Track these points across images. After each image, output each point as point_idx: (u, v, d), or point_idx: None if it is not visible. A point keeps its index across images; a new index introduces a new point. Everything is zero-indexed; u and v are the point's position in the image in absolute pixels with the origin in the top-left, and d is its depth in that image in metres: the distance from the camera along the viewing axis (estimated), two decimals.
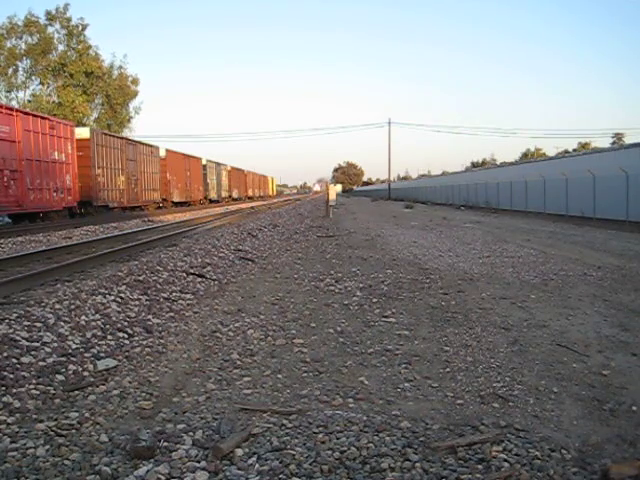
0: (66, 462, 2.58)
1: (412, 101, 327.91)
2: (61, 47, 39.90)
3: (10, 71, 38.29)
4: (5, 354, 3.70)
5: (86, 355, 4.08)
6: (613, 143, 62.06)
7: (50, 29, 39.24)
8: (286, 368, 4.04)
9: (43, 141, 18.22)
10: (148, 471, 2.49)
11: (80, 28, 40.26)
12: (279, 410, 3.22)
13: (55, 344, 4.11)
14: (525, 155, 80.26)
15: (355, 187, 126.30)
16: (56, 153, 19.15)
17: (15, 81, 38.71)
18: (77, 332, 4.45)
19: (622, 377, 3.86)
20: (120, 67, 42.81)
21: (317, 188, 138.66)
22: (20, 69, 38.93)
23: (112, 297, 5.60)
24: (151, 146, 30.71)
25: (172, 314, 5.55)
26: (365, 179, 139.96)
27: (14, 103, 36.42)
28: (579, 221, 20.82)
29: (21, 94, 39.23)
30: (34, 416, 3.09)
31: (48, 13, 39.13)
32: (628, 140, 54.05)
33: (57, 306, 4.94)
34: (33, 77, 39.35)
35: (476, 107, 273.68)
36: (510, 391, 3.59)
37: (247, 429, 2.92)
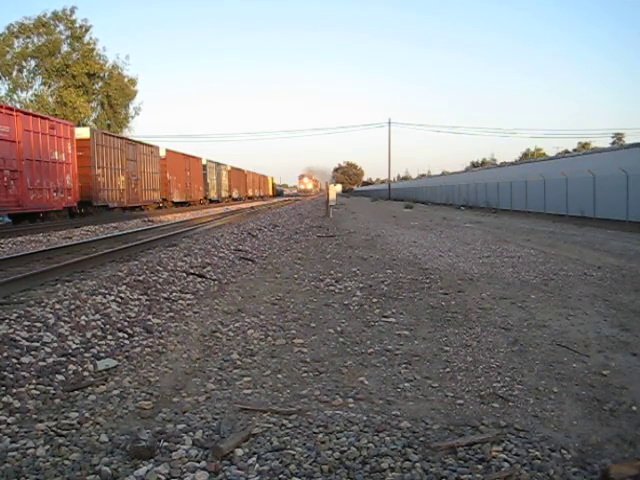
0: (66, 462, 2.58)
1: (412, 101, 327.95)
2: (65, 48, 40.00)
3: (15, 71, 38.36)
4: (5, 354, 3.70)
5: (86, 355, 4.08)
6: (613, 143, 62.07)
7: (55, 29, 39.33)
8: (286, 368, 4.04)
9: (43, 141, 18.21)
10: (148, 471, 2.49)
11: (83, 29, 40.37)
12: (279, 410, 3.22)
13: (55, 344, 4.11)
14: (525, 155, 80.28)
15: (355, 187, 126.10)
16: (56, 153, 19.14)
17: (21, 81, 38.77)
18: (77, 332, 4.45)
19: (622, 377, 3.86)
20: (118, 67, 42.83)
21: (308, 185, 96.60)
22: (24, 69, 39.06)
23: (112, 297, 5.60)
24: (151, 146, 30.69)
25: (172, 314, 5.55)
26: (365, 179, 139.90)
27: (17, 104, 36.46)
28: (579, 221, 20.82)
29: (23, 94, 39.35)
30: (34, 416, 3.10)
31: (54, 14, 39.24)
32: (628, 140, 54.12)
33: (57, 306, 4.94)
34: (37, 77, 39.43)
35: (476, 107, 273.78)
36: (510, 391, 3.59)
37: (247, 429, 2.92)
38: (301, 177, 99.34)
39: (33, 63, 38.97)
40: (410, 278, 7.61)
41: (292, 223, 18.19)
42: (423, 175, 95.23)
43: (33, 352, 3.87)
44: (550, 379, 3.82)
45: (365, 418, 3.12)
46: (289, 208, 30.02)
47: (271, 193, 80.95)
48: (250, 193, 62.12)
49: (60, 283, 6.85)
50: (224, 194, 48.00)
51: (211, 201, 42.97)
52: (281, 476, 2.49)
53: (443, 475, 2.50)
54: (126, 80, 43.27)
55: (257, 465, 2.57)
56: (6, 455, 2.61)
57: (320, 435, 2.89)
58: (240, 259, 9.44)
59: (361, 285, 7.14)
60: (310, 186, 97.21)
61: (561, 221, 21.51)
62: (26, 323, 4.37)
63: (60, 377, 3.64)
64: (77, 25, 40.20)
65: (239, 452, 2.69)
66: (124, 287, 6.07)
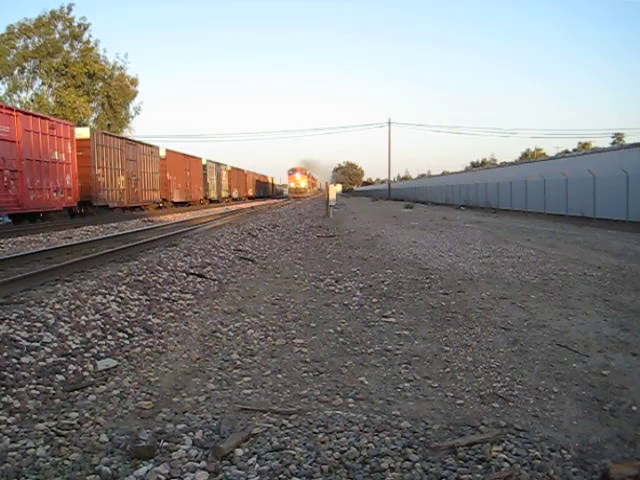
0: (66, 462, 2.58)
1: (412, 101, 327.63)
2: (64, 47, 39.98)
3: (16, 71, 38.39)
4: (5, 354, 3.70)
5: (86, 355, 4.08)
6: (613, 143, 62.06)
7: (54, 29, 39.31)
8: (286, 368, 4.04)
9: (43, 141, 18.22)
10: (148, 471, 2.49)
11: (82, 28, 40.36)
12: (279, 410, 3.22)
13: (55, 344, 4.11)
14: (525, 155, 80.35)
15: (355, 187, 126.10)
16: (56, 153, 19.15)
17: (22, 81, 38.81)
18: (77, 332, 4.45)
19: (622, 377, 3.86)
20: (120, 67, 42.89)
21: (300, 182, 68.63)
22: (25, 69, 39.04)
23: (112, 297, 5.60)
24: (151, 146, 30.70)
25: (172, 314, 5.55)
26: (365, 179, 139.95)
27: (17, 104, 36.46)
28: (579, 221, 20.82)
29: (23, 94, 39.36)
30: (34, 416, 3.09)
31: (52, 13, 39.22)
32: (628, 140, 54.10)
33: (57, 306, 4.94)
34: (37, 77, 39.43)
35: (476, 107, 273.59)
36: (510, 391, 3.59)
37: (247, 429, 2.92)
38: (292, 172, 70.63)
39: (33, 63, 38.99)
40: (410, 278, 7.61)
41: (292, 223, 18.19)
42: (423, 175, 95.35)
43: (33, 352, 3.87)
44: (550, 379, 3.82)
45: (365, 418, 3.12)
46: (289, 208, 30.02)
47: (272, 193, 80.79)
48: (250, 193, 62.10)
49: (60, 283, 6.85)
50: (224, 194, 48.01)
51: (211, 201, 42.98)
52: (281, 476, 2.49)
53: (443, 475, 2.50)
54: (129, 80, 43.29)
55: (257, 465, 2.57)
56: (6, 455, 2.61)
57: (320, 435, 2.89)
58: (240, 259, 9.44)
59: (361, 285, 7.14)
60: (303, 184, 71.16)
61: (561, 221, 21.52)
62: (26, 323, 4.37)
63: (60, 377, 3.64)
64: (75, 24, 40.26)
65: (239, 452, 2.69)
66: (124, 287, 6.07)
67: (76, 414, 3.12)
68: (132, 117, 45.01)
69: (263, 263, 9.21)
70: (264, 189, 74.32)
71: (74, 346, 4.18)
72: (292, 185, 70.54)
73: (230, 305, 6.04)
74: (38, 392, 3.38)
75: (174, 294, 6.33)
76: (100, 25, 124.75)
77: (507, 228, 17.53)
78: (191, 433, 2.89)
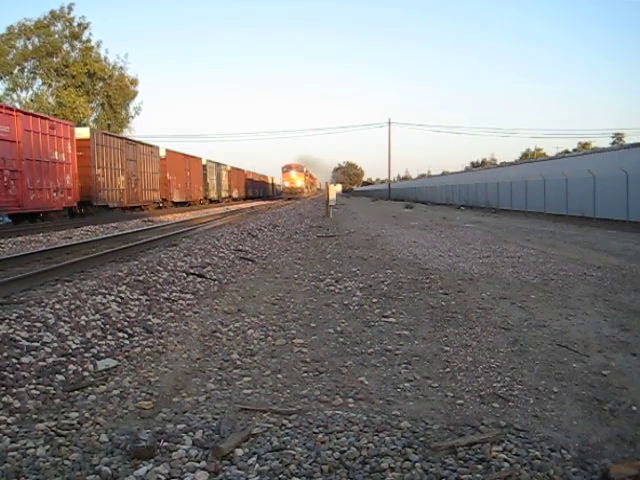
0: (66, 462, 2.58)
1: (412, 101, 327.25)
2: (64, 47, 40.01)
3: (16, 70, 38.42)
4: (5, 354, 3.70)
5: (86, 355, 4.08)
6: (613, 143, 62.05)
7: (53, 29, 39.35)
8: (286, 368, 4.04)
9: (43, 141, 18.21)
10: (148, 471, 2.49)
11: (82, 27, 40.38)
12: (279, 410, 3.22)
13: (55, 344, 4.11)
14: (525, 155, 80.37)
15: (355, 187, 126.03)
16: (56, 153, 19.14)
17: (21, 81, 38.85)
18: (77, 332, 4.45)
19: (622, 377, 3.87)
20: (120, 68, 42.93)
21: (296, 181, 59.33)
22: (25, 69, 39.09)
23: (112, 297, 5.60)
24: (151, 146, 30.69)
25: (172, 314, 5.55)
26: (365, 179, 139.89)
27: (16, 103, 36.49)
28: (579, 221, 20.83)
29: (23, 94, 39.40)
30: (34, 416, 3.10)
31: (52, 13, 39.25)
32: (628, 140, 54.05)
33: (57, 306, 4.94)
34: (37, 77, 39.48)
35: (476, 107, 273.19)
36: (510, 391, 3.60)
37: (247, 429, 2.92)
38: (286, 169, 60.84)
39: (33, 63, 39.02)
40: (410, 278, 7.61)
41: (292, 223, 18.19)
42: (423, 175, 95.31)
43: (33, 352, 3.87)
44: (550, 379, 3.82)
45: (365, 418, 3.12)
46: (289, 208, 30.00)
47: (272, 193, 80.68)
48: (250, 193, 62.01)
49: (60, 283, 6.85)
50: (224, 194, 47.99)
51: (211, 201, 42.97)
52: (281, 476, 2.49)
53: (443, 475, 2.50)
54: (129, 80, 43.30)
55: (257, 465, 2.57)
56: (6, 455, 2.61)
57: (320, 435, 2.89)
58: (240, 259, 9.44)
59: (361, 285, 7.14)
60: (300, 183, 61.55)
61: (561, 221, 21.52)
62: (26, 323, 4.37)
63: (60, 377, 3.64)
64: (75, 23, 40.29)
65: (239, 452, 2.69)
66: (124, 287, 6.07)
67: (76, 414, 3.12)
68: (132, 117, 45.13)
69: (263, 263, 9.21)
70: (264, 189, 74.29)
71: (74, 346, 4.18)
72: (287, 184, 61.60)
73: (230, 305, 6.04)
74: (38, 392, 3.38)
75: (174, 294, 6.33)
76: (100, 25, 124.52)
77: (507, 228, 17.53)
78: (191, 433, 2.89)
